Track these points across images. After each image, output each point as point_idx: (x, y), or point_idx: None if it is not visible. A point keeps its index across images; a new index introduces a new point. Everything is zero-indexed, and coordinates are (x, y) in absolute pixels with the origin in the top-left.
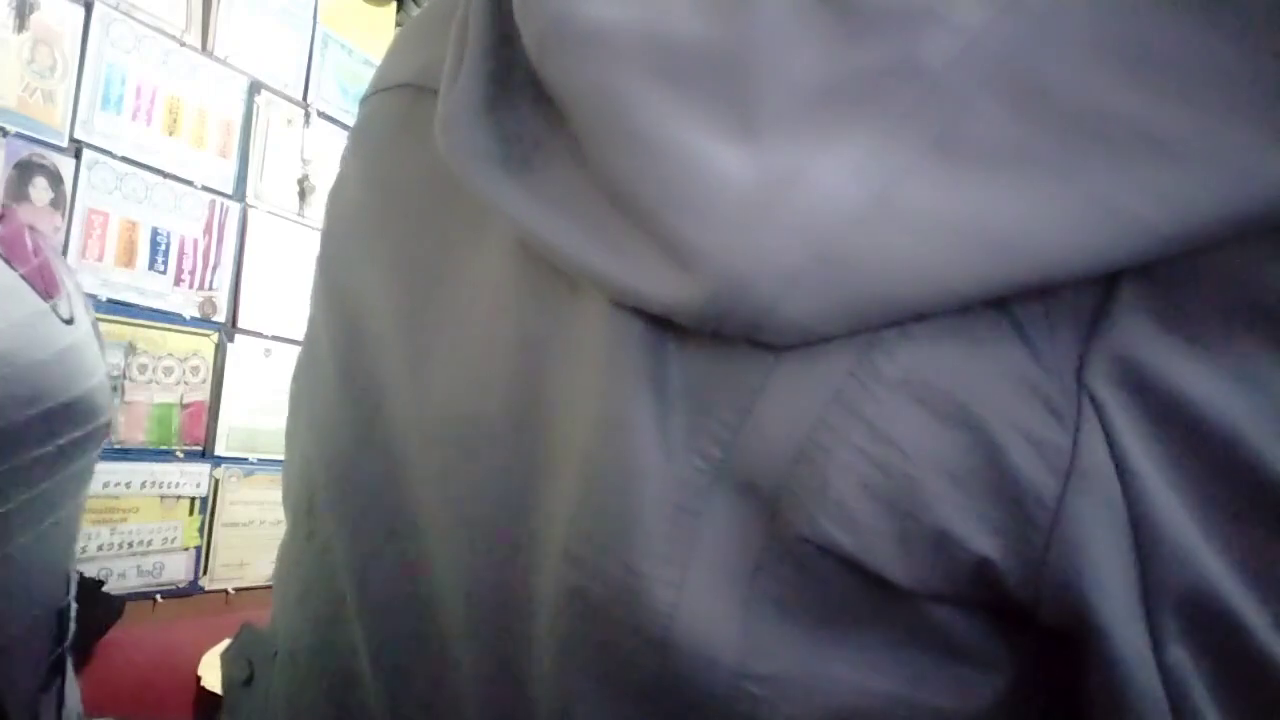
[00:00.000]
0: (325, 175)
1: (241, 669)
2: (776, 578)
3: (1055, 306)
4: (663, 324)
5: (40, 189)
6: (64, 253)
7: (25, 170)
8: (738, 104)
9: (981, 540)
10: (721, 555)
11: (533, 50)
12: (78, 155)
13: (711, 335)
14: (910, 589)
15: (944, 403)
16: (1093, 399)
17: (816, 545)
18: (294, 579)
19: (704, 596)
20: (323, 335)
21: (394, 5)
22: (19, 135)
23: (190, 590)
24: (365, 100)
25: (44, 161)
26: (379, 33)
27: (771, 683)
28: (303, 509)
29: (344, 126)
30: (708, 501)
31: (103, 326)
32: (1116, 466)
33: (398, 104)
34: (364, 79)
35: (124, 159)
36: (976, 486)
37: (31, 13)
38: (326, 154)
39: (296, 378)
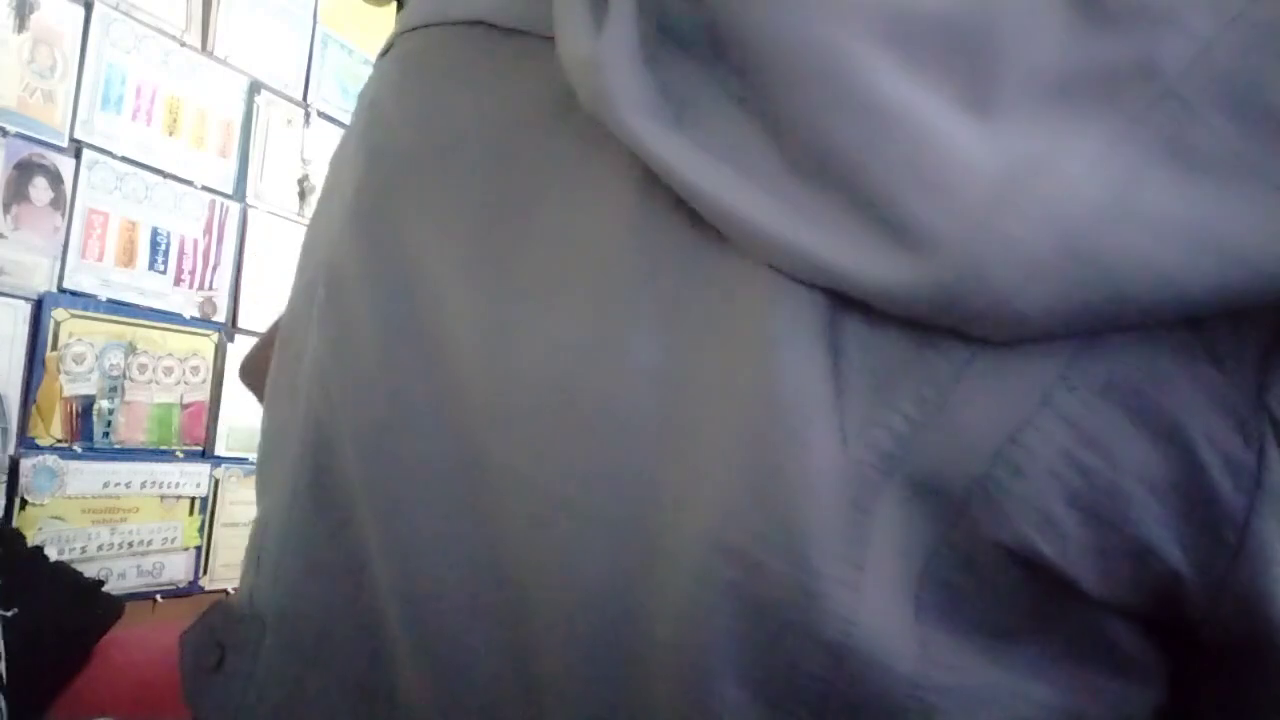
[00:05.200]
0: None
1: (211, 652)
2: (945, 583)
3: (1243, 326)
4: (840, 298)
5: (40, 189)
6: (64, 252)
7: (25, 170)
8: (976, 79)
9: (1174, 554)
10: (892, 557)
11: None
12: (78, 155)
13: (899, 318)
14: (1099, 599)
15: (1151, 413)
16: (1272, 420)
17: (1006, 550)
18: (293, 557)
19: (882, 601)
20: (358, 295)
21: (394, 5)
22: (19, 135)
23: (190, 590)
24: (406, 35)
25: (44, 161)
26: (379, 33)
27: (948, 693)
28: (304, 482)
29: (344, 126)
30: (878, 498)
31: (103, 326)
32: None
33: (463, 42)
34: (364, 79)
35: (124, 159)
36: (1176, 500)
37: (31, 13)
38: (326, 154)
39: (287, 336)
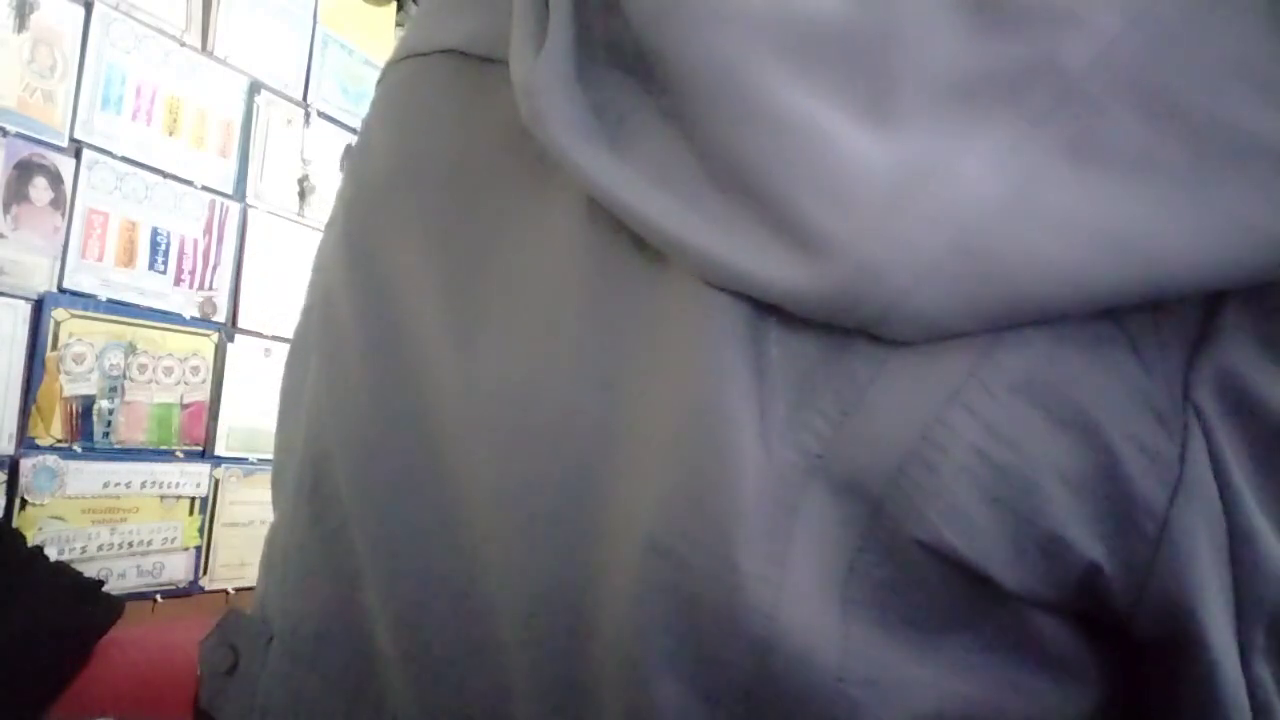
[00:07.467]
0: (325, 175)
1: (225, 657)
2: (871, 579)
3: (1165, 320)
4: (762, 307)
5: (40, 189)
6: (64, 252)
7: (25, 170)
8: (874, 88)
9: (1092, 547)
10: (816, 554)
11: (645, 19)
12: (78, 155)
13: (819, 322)
14: (1017, 593)
15: (1064, 408)
16: (1198, 413)
17: (923, 546)
18: (294, 564)
19: (804, 596)
20: (346, 314)
21: (394, 5)
22: (19, 135)
23: (190, 590)
24: (394, 65)
25: (44, 161)
26: (379, 33)
27: (870, 686)
28: (304, 492)
29: (344, 126)
30: (803, 497)
31: (103, 326)
32: (1218, 480)
33: (440, 71)
34: (364, 79)
35: (124, 159)
36: (1090, 493)
37: (31, 13)
38: (326, 154)
39: (295, 351)
